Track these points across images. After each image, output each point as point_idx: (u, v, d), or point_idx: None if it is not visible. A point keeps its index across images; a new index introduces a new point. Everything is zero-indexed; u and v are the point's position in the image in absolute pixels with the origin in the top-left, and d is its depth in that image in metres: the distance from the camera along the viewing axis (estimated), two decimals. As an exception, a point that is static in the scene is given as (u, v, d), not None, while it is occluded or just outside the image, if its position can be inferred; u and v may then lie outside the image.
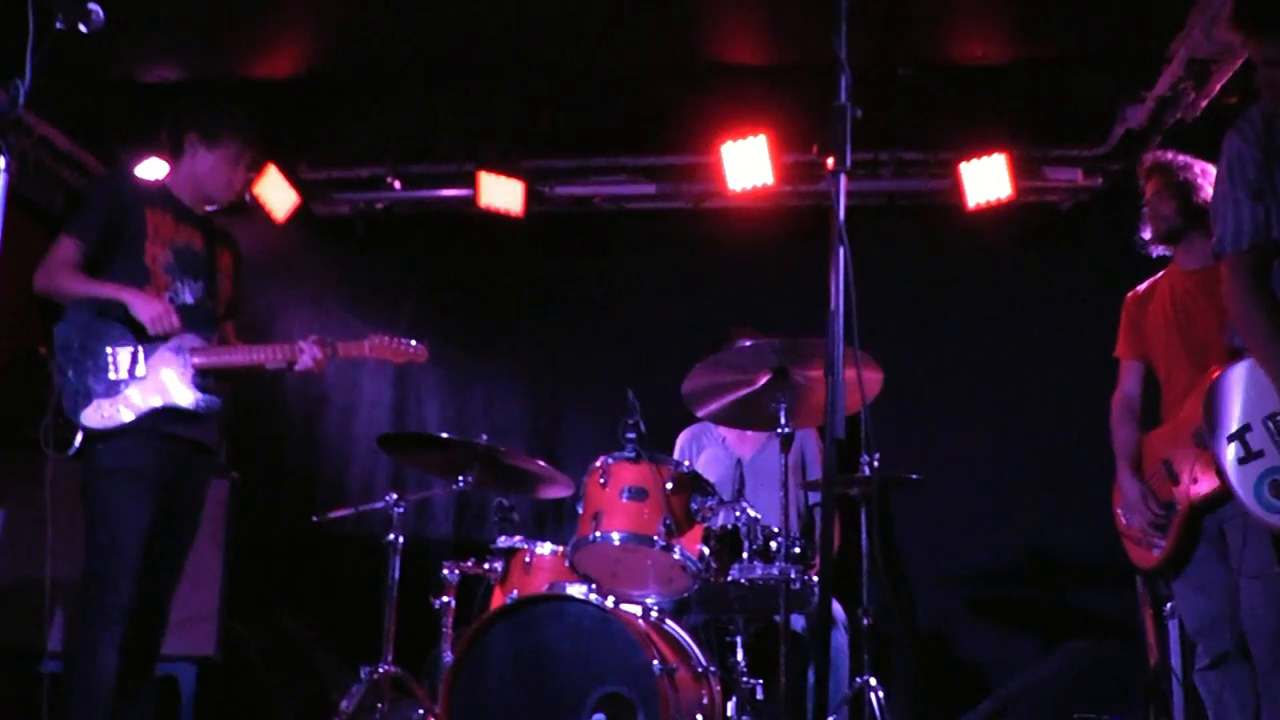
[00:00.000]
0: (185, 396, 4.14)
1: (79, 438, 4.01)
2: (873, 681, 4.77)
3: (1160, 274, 4.27)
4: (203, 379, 4.20)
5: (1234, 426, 3.22)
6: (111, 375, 4.04)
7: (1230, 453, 3.22)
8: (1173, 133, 5.90)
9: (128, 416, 4.02)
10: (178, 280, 4.25)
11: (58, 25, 3.16)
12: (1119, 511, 4.18)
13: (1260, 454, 3.11)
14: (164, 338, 4.12)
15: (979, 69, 6.07)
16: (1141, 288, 4.34)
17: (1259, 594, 3.47)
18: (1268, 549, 3.43)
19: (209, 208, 4.50)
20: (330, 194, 7.08)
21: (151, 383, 4.09)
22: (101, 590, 3.94)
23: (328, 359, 4.36)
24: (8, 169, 2.91)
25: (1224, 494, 3.46)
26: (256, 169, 4.63)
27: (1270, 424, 3.11)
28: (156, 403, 4.08)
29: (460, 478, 4.89)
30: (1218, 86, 5.58)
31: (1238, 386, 3.26)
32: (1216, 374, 3.39)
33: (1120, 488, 4.13)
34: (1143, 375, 4.28)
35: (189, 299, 4.27)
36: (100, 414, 4.00)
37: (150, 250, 4.20)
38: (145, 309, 4.05)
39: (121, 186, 4.43)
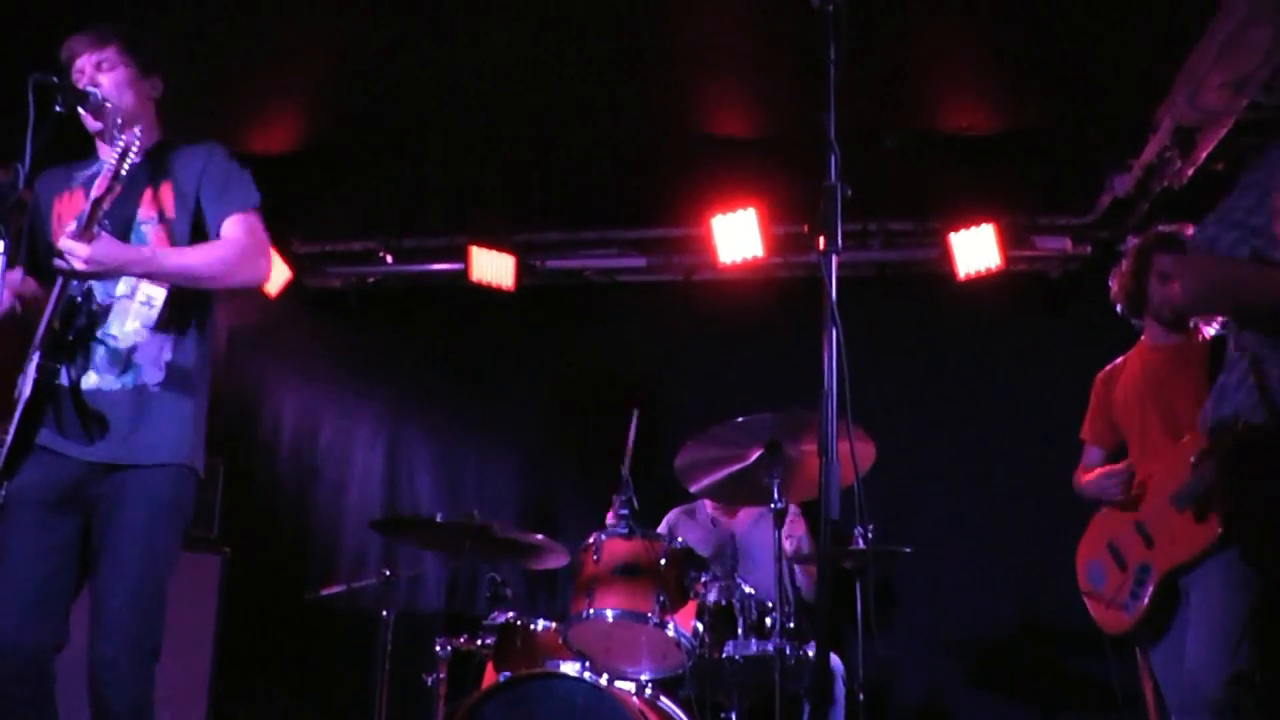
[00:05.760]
0: (26, 388, 3.18)
1: None
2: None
3: (1130, 352, 4.33)
4: (47, 358, 3.18)
5: None
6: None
7: None
8: (1160, 201, 5.95)
9: (4, 439, 3.21)
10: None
11: (57, 108, 3.19)
12: (1083, 573, 4.19)
13: None
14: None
15: (966, 138, 6.13)
16: (1110, 366, 4.40)
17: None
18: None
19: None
20: (322, 267, 7.13)
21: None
22: None
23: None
24: (6, 252, 2.92)
25: (1203, 554, 3.62)
26: None
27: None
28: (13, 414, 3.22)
29: (454, 553, 4.85)
30: (1204, 154, 5.60)
31: None
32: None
33: (1098, 480, 4.17)
34: (1104, 458, 4.36)
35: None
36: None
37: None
38: None
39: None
